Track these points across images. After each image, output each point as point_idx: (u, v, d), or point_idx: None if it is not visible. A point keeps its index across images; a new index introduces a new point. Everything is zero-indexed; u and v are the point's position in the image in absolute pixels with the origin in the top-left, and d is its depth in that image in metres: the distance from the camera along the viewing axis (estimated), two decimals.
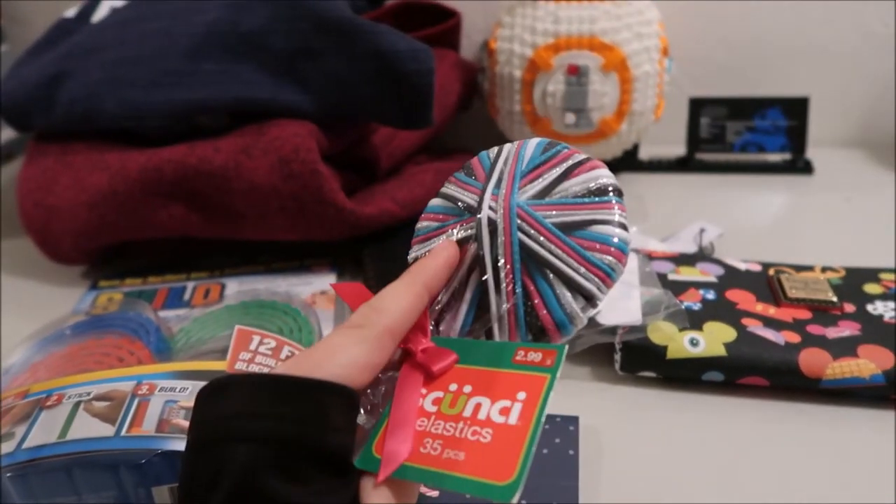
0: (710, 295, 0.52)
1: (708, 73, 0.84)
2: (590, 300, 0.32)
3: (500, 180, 0.36)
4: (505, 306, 0.33)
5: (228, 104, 0.60)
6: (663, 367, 0.48)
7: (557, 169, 0.35)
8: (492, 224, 0.34)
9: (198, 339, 0.48)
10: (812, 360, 0.46)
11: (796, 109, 0.78)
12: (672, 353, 0.47)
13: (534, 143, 0.37)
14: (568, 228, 0.33)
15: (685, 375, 0.48)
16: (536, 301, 0.32)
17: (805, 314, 0.50)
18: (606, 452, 0.44)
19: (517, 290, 0.33)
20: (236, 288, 0.61)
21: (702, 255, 0.59)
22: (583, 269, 0.32)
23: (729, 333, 0.48)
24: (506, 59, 0.73)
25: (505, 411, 0.28)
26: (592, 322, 0.49)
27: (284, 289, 0.60)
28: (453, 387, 0.30)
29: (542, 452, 0.42)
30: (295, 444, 0.26)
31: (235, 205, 0.59)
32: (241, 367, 0.42)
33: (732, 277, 0.55)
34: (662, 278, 0.54)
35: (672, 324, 0.48)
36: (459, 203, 0.37)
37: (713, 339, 0.47)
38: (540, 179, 0.35)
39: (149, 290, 0.62)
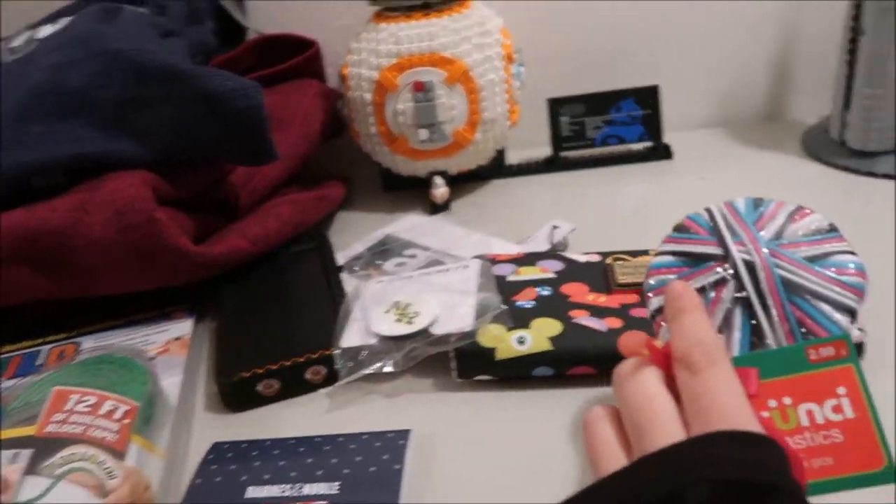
0: (546, 291, 0.53)
1: (564, 73, 0.86)
2: (852, 314, 0.39)
3: (733, 231, 0.41)
4: (781, 332, 0.38)
5: (62, 163, 0.60)
6: (495, 368, 0.48)
7: (780, 216, 0.42)
8: (748, 265, 0.39)
9: (25, 404, 0.47)
10: (629, 343, 0.46)
11: (648, 98, 0.80)
12: (501, 354, 0.48)
13: (743, 200, 0.44)
14: (814, 260, 0.40)
15: (516, 374, 0.48)
16: (809, 323, 0.38)
17: (633, 298, 0.51)
18: (439, 462, 0.44)
19: (789, 317, 0.38)
20: (92, 345, 0.60)
21: (548, 253, 0.60)
22: (838, 289, 0.39)
23: (555, 327, 0.49)
24: (356, 84, 0.74)
25: (837, 409, 0.31)
26: (425, 334, 0.50)
27: (139, 340, 0.60)
28: (773, 403, 0.32)
29: (368, 470, 0.42)
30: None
31: (80, 262, 0.59)
32: (53, 428, 0.42)
33: (571, 271, 0.56)
34: (501, 280, 0.55)
35: (499, 325, 0.49)
36: (693, 255, 0.42)
37: (539, 336, 0.48)
38: (769, 225, 0.42)
39: (3, 358, 0.61)
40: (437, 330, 0.50)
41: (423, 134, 0.73)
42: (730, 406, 0.29)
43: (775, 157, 0.78)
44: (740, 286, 0.40)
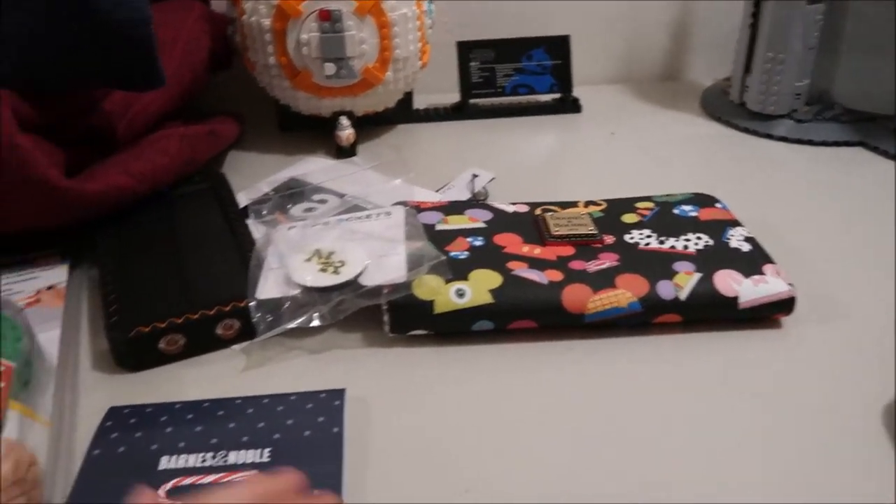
0: (479, 241, 0.50)
1: (474, 17, 0.83)
2: None
3: None
4: None
5: None
6: (432, 322, 0.45)
7: None
8: None
9: None
10: (574, 297, 0.45)
11: (559, 48, 0.78)
12: (439, 308, 0.45)
13: None
14: None
15: (455, 328, 0.46)
16: None
17: (568, 251, 0.50)
18: (377, 422, 0.40)
19: None
20: None
21: (473, 202, 0.57)
22: None
23: (495, 279, 0.46)
24: (252, 8, 0.66)
25: None
26: (355, 285, 0.46)
27: (2, 288, 0.51)
28: None
29: (302, 434, 0.38)
30: None
31: None
32: None
33: (501, 221, 0.53)
34: (430, 229, 0.51)
35: (437, 276, 0.46)
36: None
37: (479, 288, 0.45)
38: None
39: None
40: (367, 281, 0.46)
41: (330, 69, 0.66)
42: None
43: (677, 115, 0.80)
44: None
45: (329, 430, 0.39)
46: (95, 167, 0.55)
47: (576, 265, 0.48)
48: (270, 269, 0.48)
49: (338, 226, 0.52)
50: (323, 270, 0.46)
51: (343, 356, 0.45)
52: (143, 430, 0.39)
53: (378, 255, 0.48)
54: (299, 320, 0.44)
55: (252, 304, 0.45)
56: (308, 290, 0.45)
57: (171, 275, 0.48)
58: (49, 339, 0.45)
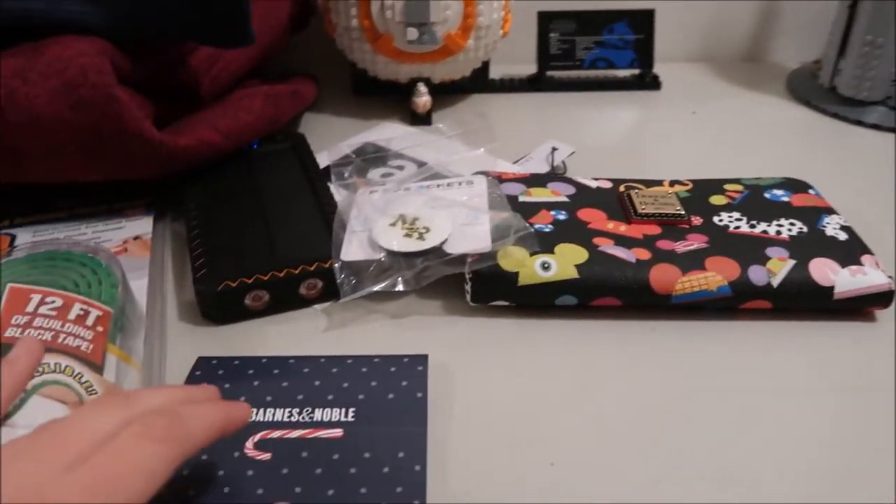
0: (562, 215, 0.49)
1: None
2: None
3: None
4: None
5: None
6: (515, 294, 0.45)
7: None
8: None
9: None
10: (662, 277, 0.44)
11: (642, 22, 0.76)
12: (524, 280, 0.44)
13: None
14: None
15: (538, 301, 0.45)
16: None
17: (655, 230, 0.48)
18: (459, 390, 0.40)
19: None
20: (29, 238, 0.52)
21: (553, 175, 0.56)
22: None
23: (581, 254, 0.45)
24: None
25: None
26: (439, 252, 0.45)
27: (90, 236, 0.52)
28: None
29: (386, 397, 0.38)
30: None
31: (15, 141, 0.49)
32: (13, 333, 0.35)
33: (584, 196, 0.52)
34: (513, 200, 0.51)
35: (522, 248, 0.45)
36: None
37: (565, 262, 0.45)
38: None
39: None
40: (452, 249, 0.46)
41: (412, 34, 0.66)
42: None
43: (761, 97, 0.77)
44: None
45: (413, 394, 0.39)
46: (183, 122, 0.56)
47: (663, 245, 0.47)
48: (354, 231, 0.48)
49: (421, 192, 0.52)
50: (408, 236, 0.46)
51: (423, 322, 0.45)
52: (231, 381, 0.40)
53: (462, 223, 0.48)
54: (383, 284, 0.44)
55: (336, 265, 0.45)
56: (393, 255, 0.45)
57: (257, 232, 0.49)
58: (137, 287, 0.46)
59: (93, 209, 0.55)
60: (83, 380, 0.34)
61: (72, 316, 0.37)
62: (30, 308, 0.36)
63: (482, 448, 0.37)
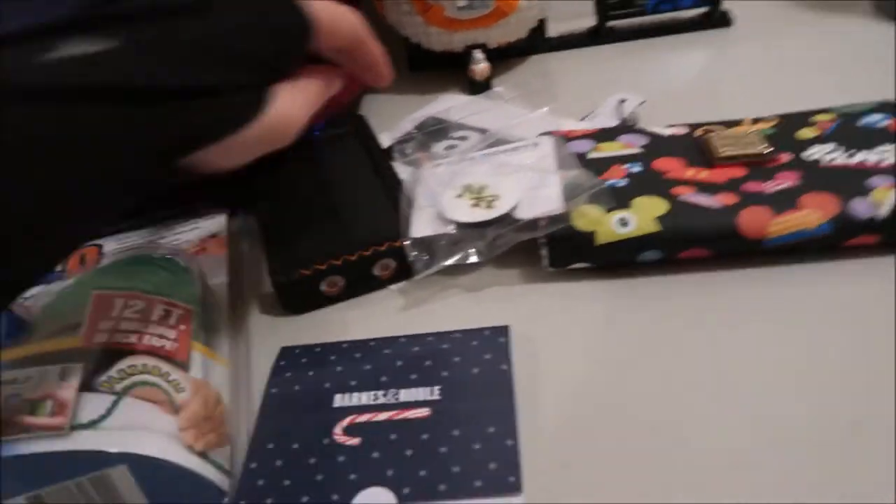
0: (637, 168, 0.47)
1: None
2: None
3: None
4: None
5: None
6: (594, 255, 0.43)
7: None
8: None
9: (59, 313, 0.41)
10: (752, 220, 0.41)
11: None
12: (601, 238, 0.42)
13: None
14: None
15: (619, 260, 0.43)
16: None
17: (740, 172, 0.45)
18: (543, 359, 0.39)
19: None
20: (115, 247, 0.53)
21: (624, 127, 0.54)
22: None
23: (660, 206, 0.43)
24: None
25: None
26: (510, 219, 0.44)
27: (170, 239, 0.53)
28: None
29: (471, 372, 0.37)
30: None
31: None
32: (102, 338, 0.36)
33: (658, 145, 0.49)
34: (582, 158, 0.48)
35: (597, 206, 0.43)
36: None
37: (644, 216, 0.42)
38: None
39: None
40: (522, 214, 0.44)
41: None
42: None
43: (845, 19, 0.71)
44: None
45: (497, 367, 0.37)
46: None
47: (750, 187, 0.44)
48: (420, 207, 0.47)
49: (485, 160, 0.50)
50: (476, 206, 0.45)
51: (501, 293, 0.44)
52: (315, 369, 0.39)
53: (531, 187, 0.46)
54: (456, 257, 0.43)
55: (407, 243, 0.44)
56: (462, 227, 0.44)
57: (326, 218, 0.48)
58: (218, 284, 0.46)
59: (169, 212, 0.56)
60: (171, 378, 0.35)
61: (154, 317, 0.38)
62: (115, 313, 0.37)
63: (575, 418, 0.35)
